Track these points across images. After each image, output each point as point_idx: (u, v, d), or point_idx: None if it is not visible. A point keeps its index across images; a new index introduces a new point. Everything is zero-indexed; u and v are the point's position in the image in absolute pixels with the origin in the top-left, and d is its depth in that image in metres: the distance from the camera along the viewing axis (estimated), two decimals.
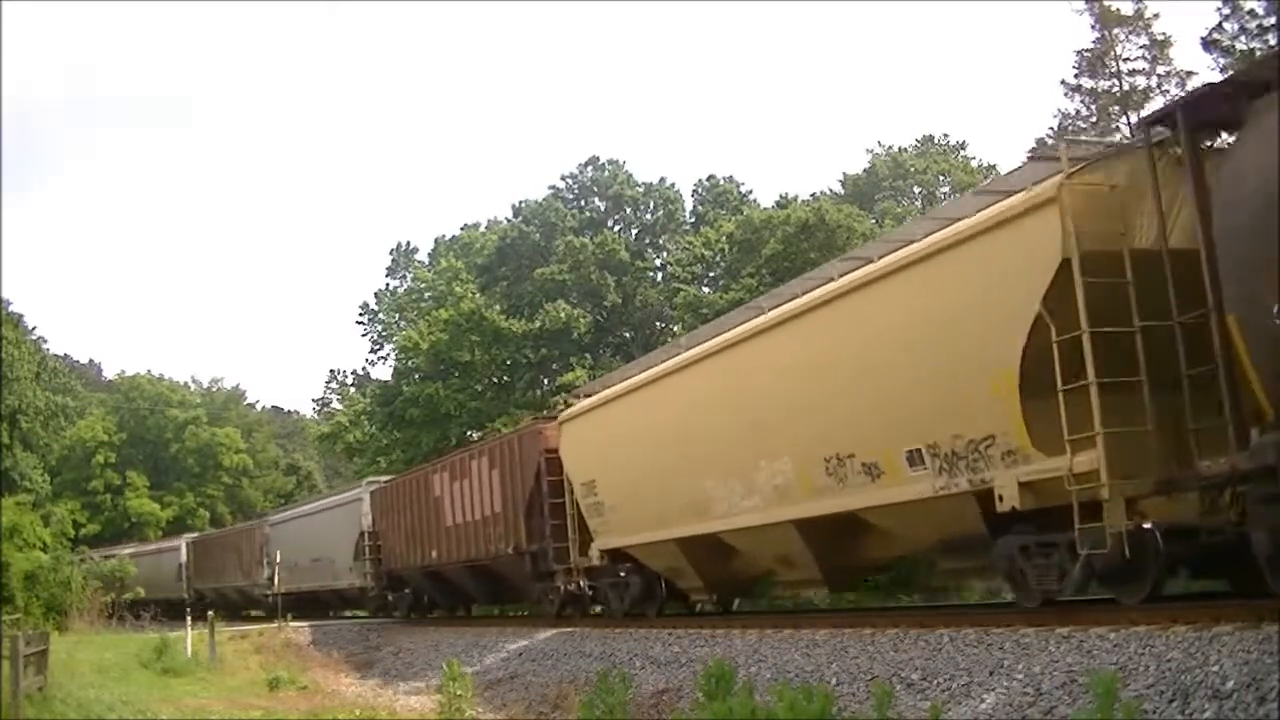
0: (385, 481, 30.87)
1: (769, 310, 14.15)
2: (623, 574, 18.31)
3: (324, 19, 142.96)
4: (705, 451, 14.99)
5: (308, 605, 35.72)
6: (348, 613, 36.60)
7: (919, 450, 11.29)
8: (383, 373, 60.33)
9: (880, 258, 12.18)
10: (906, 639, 10.91)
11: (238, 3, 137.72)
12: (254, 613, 40.19)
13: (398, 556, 27.53)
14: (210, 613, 24.30)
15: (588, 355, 48.39)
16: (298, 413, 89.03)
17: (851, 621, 12.77)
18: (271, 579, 36.19)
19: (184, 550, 48.62)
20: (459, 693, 12.72)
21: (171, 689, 17.01)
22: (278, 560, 35.52)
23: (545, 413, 24.53)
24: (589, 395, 19.54)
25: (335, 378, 71.01)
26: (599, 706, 8.73)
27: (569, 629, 18.96)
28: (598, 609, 20.06)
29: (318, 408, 74.65)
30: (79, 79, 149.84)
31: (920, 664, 9.94)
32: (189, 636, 23.26)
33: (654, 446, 16.41)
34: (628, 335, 50.19)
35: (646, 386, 16.90)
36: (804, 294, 13.48)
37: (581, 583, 19.33)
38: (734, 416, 14.33)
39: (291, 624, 29.87)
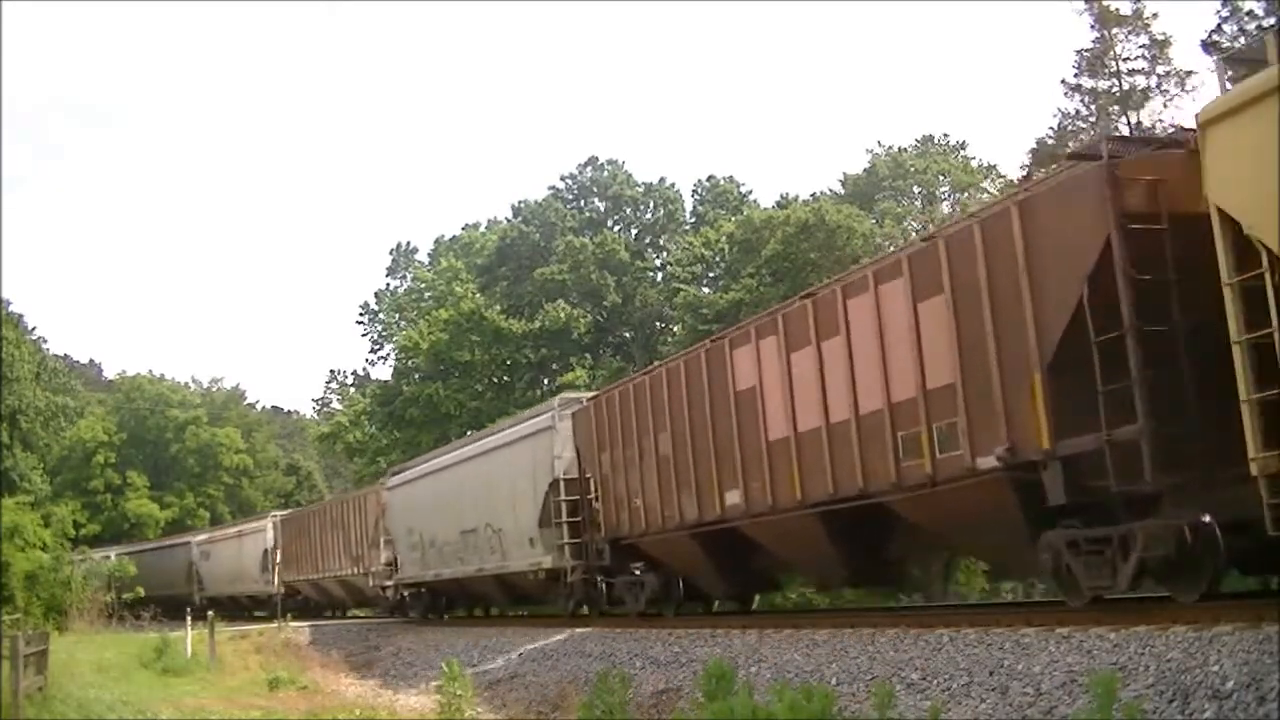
0: (595, 394, 19.65)
1: None
2: None
3: (324, 19, 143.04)
4: None
5: (453, 600, 26.86)
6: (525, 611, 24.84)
7: None
8: (383, 373, 60.49)
9: None
10: (906, 639, 10.91)
11: (239, 3, 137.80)
12: (366, 612, 32.52)
13: (633, 515, 17.00)
14: (210, 613, 24.18)
15: (588, 355, 48.49)
16: (298, 413, 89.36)
17: (851, 621, 12.77)
18: (391, 565, 27.50)
19: (270, 532, 38.19)
20: (459, 693, 12.71)
21: (171, 689, 16.97)
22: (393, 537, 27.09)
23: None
24: None
25: (335, 378, 71.28)
26: (599, 706, 8.72)
27: None
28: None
29: (318, 408, 74.91)
30: (80, 78, 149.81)
31: (920, 664, 9.94)
32: (189, 637, 23.23)
33: None
34: (628, 335, 50.27)
35: None
36: None
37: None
38: None
39: (291, 624, 29.79)
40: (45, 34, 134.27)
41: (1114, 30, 32.92)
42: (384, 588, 28.08)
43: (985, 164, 48.65)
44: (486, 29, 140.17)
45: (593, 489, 18.51)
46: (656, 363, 19.69)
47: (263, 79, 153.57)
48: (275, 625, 28.92)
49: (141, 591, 36.04)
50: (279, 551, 37.42)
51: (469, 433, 38.43)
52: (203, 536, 47.12)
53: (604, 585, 18.48)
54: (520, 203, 55.13)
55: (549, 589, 20.60)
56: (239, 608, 41.06)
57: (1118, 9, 32.81)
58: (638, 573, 17.64)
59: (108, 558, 40.68)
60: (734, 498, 14.37)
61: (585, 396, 20.02)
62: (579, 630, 17.93)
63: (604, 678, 9.27)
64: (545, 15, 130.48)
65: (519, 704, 14.46)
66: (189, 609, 27.13)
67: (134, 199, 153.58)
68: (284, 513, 42.00)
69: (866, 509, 12.28)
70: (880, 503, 12.05)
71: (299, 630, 28.52)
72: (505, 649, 18.48)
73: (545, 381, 48.85)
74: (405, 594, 27.70)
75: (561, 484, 19.12)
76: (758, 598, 18.64)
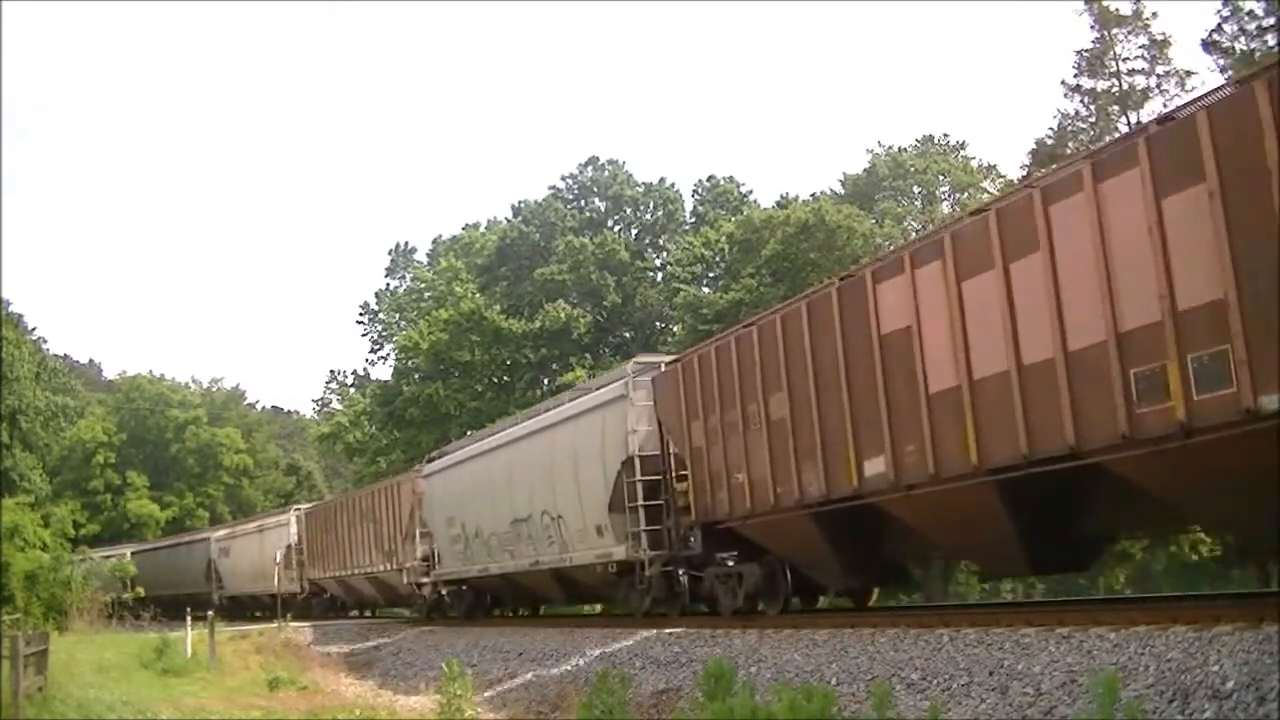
0: (680, 355, 16.96)
1: None
2: None
3: (324, 19, 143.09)
4: None
5: (500, 599, 24.11)
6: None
7: None
8: (383, 373, 60.60)
9: None
10: (906, 639, 10.91)
11: (239, 2, 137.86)
12: (407, 613, 28.97)
13: (734, 494, 14.27)
14: (210, 613, 24.12)
15: (588, 355, 48.53)
16: (298, 413, 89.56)
17: (851, 621, 12.77)
18: (428, 560, 24.87)
19: (293, 526, 35.91)
20: (458, 693, 12.70)
21: (171, 689, 16.96)
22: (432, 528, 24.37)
23: None
24: None
25: (335, 378, 71.41)
26: (598, 706, 8.72)
27: None
28: None
29: (318, 408, 75.03)
30: (80, 77, 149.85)
31: (920, 664, 9.94)
32: (189, 637, 23.23)
33: None
34: (628, 335, 50.31)
35: None
36: None
37: None
38: None
39: (291, 624, 29.78)
40: (46, 33, 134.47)
41: (1114, 30, 32.93)
42: (420, 585, 25.48)
43: (985, 164, 48.81)
44: (487, 29, 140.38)
45: (676, 466, 15.84)
46: (766, 310, 16.44)
47: (263, 79, 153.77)
48: (275, 625, 28.91)
49: (141, 591, 35.75)
50: (304, 547, 34.77)
51: (469, 433, 36.77)
52: (222, 532, 44.72)
53: (687, 579, 15.73)
54: (520, 203, 55.32)
55: (619, 585, 17.71)
56: (261, 607, 39.18)
57: (1118, 9, 32.84)
58: (730, 564, 14.86)
59: (123, 555, 40.14)
60: (876, 466, 11.62)
61: (665, 360, 17.22)
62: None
63: (603, 678, 9.27)
64: (545, 16, 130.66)
65: (519, 704, 14.45)
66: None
67: (134, 199, 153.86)
68: (308, 506, 39.32)
69: (1060, 474, 9.64)
70: (1093, 464, 9.33)
71: (299, 630, 28.52)
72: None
73: (545, 381, 48.90)
74: (444, 592, 25.07)
75: (637, 462, 16.29)
76: (876, 592, 15.73)
